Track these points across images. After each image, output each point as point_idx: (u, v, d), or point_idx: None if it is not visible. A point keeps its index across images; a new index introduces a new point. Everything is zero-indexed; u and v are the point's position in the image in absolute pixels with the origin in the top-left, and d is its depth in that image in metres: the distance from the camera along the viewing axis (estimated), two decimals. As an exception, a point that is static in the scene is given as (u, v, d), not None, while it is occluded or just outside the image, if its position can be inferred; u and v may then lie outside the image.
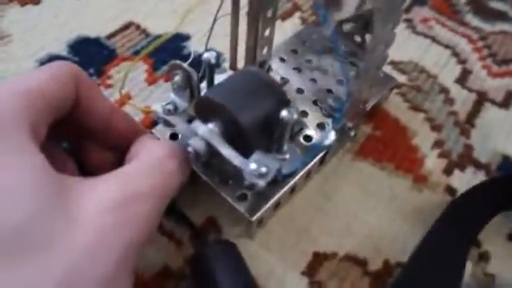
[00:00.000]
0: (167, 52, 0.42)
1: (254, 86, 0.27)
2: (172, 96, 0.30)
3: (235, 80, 0.28)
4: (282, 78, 0.35)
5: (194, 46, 0.43)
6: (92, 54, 0.42)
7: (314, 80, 0.36)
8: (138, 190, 0.23)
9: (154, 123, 0.35)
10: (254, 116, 0.26)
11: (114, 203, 0.21)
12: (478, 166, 0.38)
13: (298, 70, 0.37)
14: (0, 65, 0.41)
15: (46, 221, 0.19)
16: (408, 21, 0.51)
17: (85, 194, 0.21)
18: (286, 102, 0.27)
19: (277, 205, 0.30)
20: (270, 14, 0.31)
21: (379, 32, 0.26)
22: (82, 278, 0.19)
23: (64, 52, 0.42)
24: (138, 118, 0.37)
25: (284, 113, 0.25)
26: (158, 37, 0.44)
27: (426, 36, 0.49)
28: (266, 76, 0.28)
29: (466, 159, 0.38)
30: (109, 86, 0.39)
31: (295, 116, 0.25)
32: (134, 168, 0.24)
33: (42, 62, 0.41)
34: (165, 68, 0.41)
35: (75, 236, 0.19)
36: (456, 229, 0.32)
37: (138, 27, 0.45)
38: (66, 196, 0.20)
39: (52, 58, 0.41)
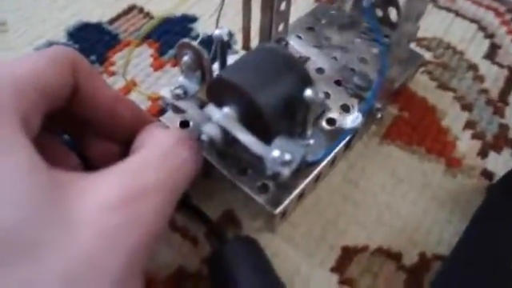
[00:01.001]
0: (174, 35, 0.39)
1: (272, 64, 0.24)
2: (181, 79, 0.27)
3: (251, 58, 0.25)
4: (301, 57, 0.32)
5: (202, 28, 0.40)
6: (93, 40, 0.39)
7: (334, 58, 0.33)
8: (144, 184, 0.20)
9: (163, 111, 0.32)
10: (274, 97, 0.23)
11: (118, 200, 0.19)
12: (515, 147, 0.35)
13: (318, 47, 0.34)
14: (-4, 55, 0.38)
15: (38, 227, 0.16)
16: (430, -6, 0.47)
17: (85, 191, 0.19)
18: (309, 81, 0.24)
19: (301, 195, 0.27)
20: (285, -15, 0.28)
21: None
22: (81, 287, 0.16)
23: (64, 39, 0.40)
24: (145, 106, 0.34)
25: (308, 92, 0.22)
26: (165, 20, 0.41)
27: (449, 10, 0.46)
28: (285, 52, 0.25)
29: (501, 140, 0.35)
30: (112, 74, 0.37)
31: (321, 95, 0.23)
32: (140, 160, 0.22)
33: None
34: (172, 52, 0.38)
35: (72, 240, 0.17)
36: (499, 219, 0.29)
37: (141, 10, 0.42)
38: (61, 195, 0.18)
39: (51, 46, 0.38)
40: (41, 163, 0.18)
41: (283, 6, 0.29)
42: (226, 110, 0.24)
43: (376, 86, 0.26)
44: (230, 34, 0.30)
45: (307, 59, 0.32)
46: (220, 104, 0.24)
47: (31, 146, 0.18)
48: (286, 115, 0.24)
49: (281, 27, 0.30)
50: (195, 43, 0.25)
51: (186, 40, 0.25)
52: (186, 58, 0.26)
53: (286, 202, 0.25)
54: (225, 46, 0.27)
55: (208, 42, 0.27)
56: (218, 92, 0.25)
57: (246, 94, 0.23)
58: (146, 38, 0.39)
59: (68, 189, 0.18)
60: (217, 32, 0.26)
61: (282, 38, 0.31)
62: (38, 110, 0.21)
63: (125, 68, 0.27)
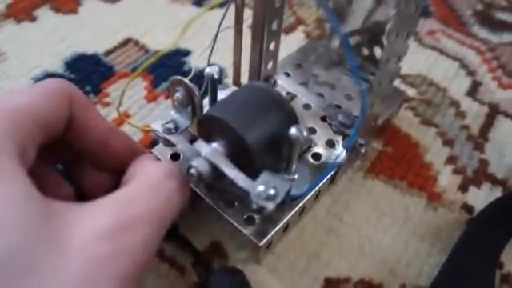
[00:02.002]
0: (167, 68, 0.41)
1: (260, 102, 0.26)
2: (173, 113, 0.28)
3: (240, 96, 0.27)
4: (289, 94, 0.34)
5: (195, 62, 0.42)
6: (89, 71, 0.41)
7: (321, 95, 0.35)
8: (133, 215, 0.21)
9: (154, 143, 0.34)
10: (260, 134, 0.25)
11: (108, 230, 0.20)
12: (495, 181, 0.36)
13: (305, 84, 0.35)
14: (-6, 83, 0.39)
15: (31, 253, 0.17)
16: (415, 34, 0.49)
17: (76, 221, 0.19)
18: (294, 119, 0.26)
19: (285, 228, 0.28)
20: (275, 26, 0.30)
21: (393, 40, 0.24)
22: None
23: (60, 69, 0.41)
24: (137, 137, 0.35)
25: (293, 130, 0.24)
26: (158, 52, 0.42)
27: (433, 48, 0.48)
28: (272, 91, 0.26)
29: (481, 175, 0.36)
30: (107, 105, 0.38)
31: (305, 134, 0.24)
32: (130, 191, 0.23)
33: (38, 80, 0.39)
34: (165, 85, 0.40)
35: (64, 268, 0.17)
36: (478, 252, 0.30)
37: (136, 43, 0.44)
38: (54, 224, 0.19)
39: (48, 76, 0.40)
40: (35, 192, 0.19)
41: (272, 46, 0.30)
42: (215, 145, 0.25)
43: (358, 124, 0.28)
44: (221, 72, 0.31)
45: (294, 96, 0.33)
46: (209, 139, 0.26)
47: (26, 176, 0.19)
48: (272, 151, 0.25)
49: (270, 65, 0.32)
50: (187, 80, 0.26)
51: (178, 77, 0.27)
52: (177, 94, 0.27)
53: (271, 234, 0.26)
54: (215, 83, 0.28)
55: (200, 75, 0.28)
56: (207, 128, 0.26)
57: (234, 131, 0.24)
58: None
59: (61, 218, 0.19)
60: (208, 70, 0.27)
61: (271, 75, 0.32)
62: (34, 141, 0.22)
63: (120, 100, 0.29)
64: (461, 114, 0.41)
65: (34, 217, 0.18)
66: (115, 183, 0.27)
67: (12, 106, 0.21)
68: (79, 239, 0.19)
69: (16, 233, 0.17)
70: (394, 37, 0.24)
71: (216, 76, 0.27)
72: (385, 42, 0.35)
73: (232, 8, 0.28)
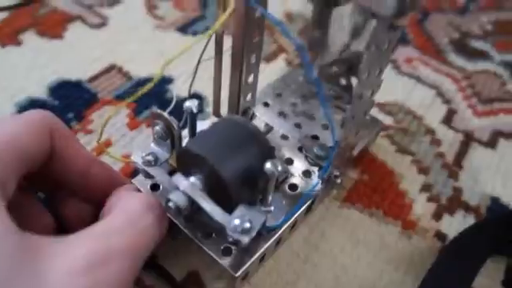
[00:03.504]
0: (150, 95, 0.41)
1: (237, 137, 0.27)
2: (152, 146, 0.29)
3: (218, 130, 0.27)
4: (267, 125, 0.34)
5: (178, 89, 0.43)
6: (73, 98, 0.41)
7: (298, 125, 0.35)
8: (114, 247, 0.21)
9: (135, 172, 0.34)
10: (236, 169, 0.25)
11: (87, 265, 0.20)
12: (468, 209, 0.37)
13: (283, 114, 0.36)
14: (-23, 109, 0.40)
15: (12, 287, 0.18)
16: (393, 61, 0.51)
17: (54, 256, 0.20)
18: (270, 154, 0.27)
19: (262, 258, 0.29)
20: (253, 59, 0.30)
21: (365, 78, 0.26)
22: None
23: (44, 95, 0.41)
24: (118, 166, 0.35)
25: (268, 165, 0.24)
26: (144, 80, 0.43)
27: (410, 76, 0.49)
28: (249, 126, 0.27)
29: (455, 203, 0.37)
30: (89, 132, 0.38)
31: (279, 168, 0.24)
32: (110, 223, 0.23)
33: (21, 106, 0.40)
34: (147, 112, 0.40)
35: None
36: (450, 280, 0.31)
37: (120, 70, 0.45)
38: (34, 258, 0.19)
39: (32, 102, 0.40)
40: (13, 227, 0.20)
41: (251, 79, 0.31)
42: (193, 179, 0.26)
43: (331, 158, 0.29)
44: (201, 103, 0.32)
45: (271, 128, 0.34)
46: (187, 172, 0.26)
47: (4, 210, 0.20)
48: (248, 185, 0.26)
49: (248, 97, 0.33)
50: (166, 114, 0.27)
51: (158, 110, 0.27)
52: (157, 128, 0.28)
53: (247, 265, 0.27)
54: (194, 117, 0.29)
55: (182, 104, 0.29)
56: (186, 161, 0.27)
57: (211, 165, 0.25)
58: (123, 98, 0.41)
59: (38, 253, 0.20)
60: (187, 104, 0.28)
61: (249, 107, 0.33)
62: (14, 174, 0.22)
63: (101, 131, 0.29)
64: (436, 142, 0.42)
65: (11, 253, 0.19)
66: (96, 213, 0.28)
67: None
68: (56, 275, 0.19)
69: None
70: (366, 75, 0.25)
71: (195, 110, 0.28)
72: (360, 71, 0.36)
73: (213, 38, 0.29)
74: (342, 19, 0.32)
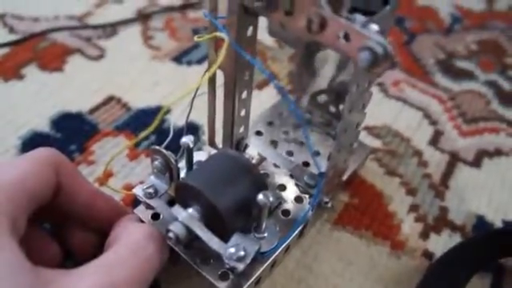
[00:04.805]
0: (148, 126, 0.43)
1: (231, 170, 0.28)
2: (152, 179, 0.31)
3: (213, 164, 0.29)
4: (259, 155, 0.36)
5: (175, 119, 0.44)
6: (74, 130, 0.43)
7: (290, 153, 0.37)
8: (119, 278, 0.23)
9: (137, 201, 0.36)
10: (231, 200, 0.27)
11: None
12: (454, 227, 0.39)
13: (275, 143, 0.38)
14: (-18, 143, 0.41)
15: None
16: (380, 84, 0.53)
17: (66, 287, 0.22)
18: (263, 185, 0.29)
19: (257, 281, 0.31)
20: (244, 95, 0.32)
21: (348, 114, 0.27)
22: None
23: (47, 128, 0.43)
24: (119, 196, 0.37)
25: (260, 196, 0.26)
26: (142, 111, 0.45)
27: (398, 99, 0.51)
28: (242, 159, 0.29)
29: (441, 222, 0.39)
30: (91, 163, 0.40)
31: (271, 199, 0.26)
32: (115, 255, 0.25)
33: (25, 139, 0.41)
34: (146, 143, 0.42)
35: None
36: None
37: (118, 101, 0.47)
38: None
39: (35, 135, 0.42)
40: (26, 263, 0.21)
41: (243, 113, 0.33)
42: (190, 210, 0.28)
43: (319, 187, 0.30)
44: (196, 141, 0.34)
45: (264, 159, 0.36)
46: (186, 203, 0.28)
47: (18, 247, 0.22)
48: (243, 214, 0.28)
49: (241, 129, 0.35)
50: (164, 151, 0.29)
51: (157, 147, 0.29)
52: (156, 163, 0.30)
53: (244, 288, 0.29)
54: (190, 151, 0.31)
55: (179, 133, 0.30)
56: (183, 193, 0.29)
57: (207, 198, 0.27)
58: (123, 129, 0.43)
59: (50, 286, 0.21)
60: (184, 140, 0.30)
61: (242, 138, 0.35)
62: (25, 212, 0.24)
63: (107, 165, 0.31)
64: (423, 164, 0.44)
65: (26, 286, 0.21)
66: (101, 241, 0.30)
67: (3, 181, 0.23)
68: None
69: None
70: (350, 111, 0.27)
71: (191, 145, 0.30)
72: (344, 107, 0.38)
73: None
74: (327, 59, 0.34)
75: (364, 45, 0.21)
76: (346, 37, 0.22)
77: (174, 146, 0.32)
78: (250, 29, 0.28)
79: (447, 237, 0.38)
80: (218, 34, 0.26)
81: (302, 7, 0.23)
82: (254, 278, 0.29)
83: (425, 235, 0.38)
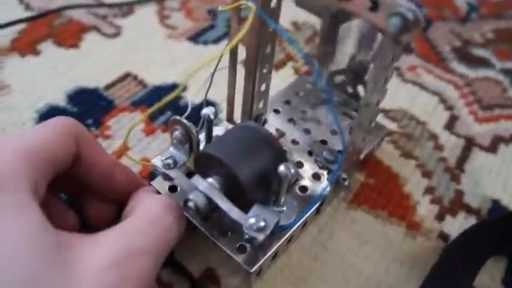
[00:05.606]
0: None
1: (252, 141, 0.28)
2: (171, 150, 0.31)
3: (234, 135, 0.29)
4: (278, 130, 0.36)
5: (191, 97, 0.44)
6: (90, 105, 0.43)
7: (308, 131, 0.37)
8: (137, 246, 0.23)
9: (153, 174, 0.36)
10: (252, 171, 0.27)
11: (116, 259, 0.22)
12: (469, 210, 0.39)
13: (293, 121, 0.38)
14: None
15: (47, 279, 0.20)
16: (396, 69, 0.52)
17: (85, 252, 0.22)
18: (283, 157, 0.28)
19: (274, 255, 0.31)
20: (265, 69, 0.32)
21: (371, 88, 0.27)
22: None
23: (63, 102, 0.43)
24: (136, 169, 0.37)
25: (281, 168, 0.26)
26: (158, 88, 0.45)
27: (414, 83, 0.51)
28: (263, 131, 0.29)
29: (457, 205, 0.39)
30: (107, 137, 0.40)
31: (292, 171, 0.26)
32: (133, 224, 0.25)
33: (42, 113, 0.42)
34: (162, 118, 0.42)
35: None
36: (452, 277, 0.32)
37: (135, 78, 0.47)
38: (66, 254, 0.21)
39: (51, 109, 0.42)
40: (48, 225, 0.22)
41: (263, 87, 0.33)
42: (211, 180, 0.28)
43: (340, 162, 0.30)
44: (216, 113, 0.33)
45: (283, 134, 0.36)
46: (205, 174, 0.28)
47: (40, 210, 0.22)
48: (263, 186, 0.28)
49: (261, 104, 0.34)
50: (185, 121, 0.29)
51: (177, 117, 0.29)
52: (176, 133, 0.30)
53: (261, 261, 0.29)
54: (211, 123, 0.31)
55: (196, 111, 0.30)
56: (203, 164, 0.29)
57: (228, 167, 0.27)
58: (139, 105, 0.43)
59: (71, 249, 0.22)
60: (204, 111, 0.30)
61: (262, 113, 0.35)
62: (45, 178, 0.24)
63: (126, 137, 0.31)
64: (439, 147, 0.44)
65: (49, 246, 0.21)
66: (117, 213, 0.30)
67: (25, 146, 0.23)
68: (88, 268, 0.21)
69: (32, 260, 0.20)
70: (373, 85, 0.27)
71: (212, 117, 0.30)
72: (367, 82, 0.38)
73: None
74: (350, 33, 0.34)
75: (394, 10, 0.21)
76: (376, 4, 0.22)
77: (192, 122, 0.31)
78: (275, 0, 0.28)
79: (463, 219, 0.38)
80: (243, 1, 0.26)
81: (331, -26, 0.23)
82: (271, 251, 0.29)
83: (440, 217, 0.38)
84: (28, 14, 0.53)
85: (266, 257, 0.29)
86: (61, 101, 0.43)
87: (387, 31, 0.21)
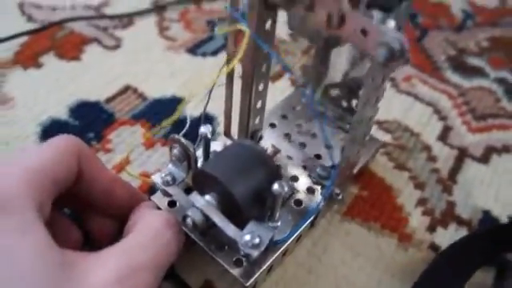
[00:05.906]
0: (164, 116, 0.44)
1: (247, 159, 0.29)
2: (170, 166, 0.32)
3: (230, 153, 0.30)
4: (273, 146, 0.37)
5: (190, 110, 0.45)
6: (92, 118, 0.44)
7: (303, 144, 0.38)
8: (139, 261, 0.25)
9: (153, 189, 0.37)
10: (247, 189, 0.28)
11: (119, 276, 0.23)
12: (461, 222, 0.40)
13: (288, 136, 0.39)
14: (3, 129, 0.42)
15: None
16: (392, 79, 0.53)
17: (90, 268, 0.23)
18: (277, 175, 0.29)
19: (269, 269, 0.32)
20: (261, 87, 0.33)
21: (363, 107, 0.28)
22: None
23: (65, 116, 0.44)
24: (136, 183, 0.38)
25: (275, 186, 0.27)
26: (158, 101, 0.46)
27: (408, 94, 0.52)
28: (258, 149, 0.30)
29: (448, 216, 0.40)
30: (108, 151, 0.41)
31: (286, 189, 0.27)
32: (135, 240, 0.26)
33: (45, 127, 0.43)
34: (162, 132, 0.43)
35: None
36: (440, 285, 0.33)
37: (135, 90, 0.48)
38: (70, 272, 0.22)
39: (54, 123, 0.43)
40: (53, 243, 0.23)
41: (259, 104, 0.34)
42: (208, 197, 0.29)
43: (333, 178, 0.31)
44: (213, 131, 0.35)
45: (278, 151, 0.37)
46: (203, 191, 0.29)
47: (45, 229, 0.23)
48: (258, 203, 0.29)
49: (257, 120, 0.35)
50: (183, 139, 0.30)
51: (176, 136, 0.30)
52: (175, 151, 0.31)
53: (257, 275, 0.30)
54: (208, 140, 0.32)
55: (195, 124, 0.32)
56: (201, 181, 0.30)
57: (224, 185, 0.28)
58: (139, 118, 0.44)
59: (75, 267, 0.23)
60: (202, 129, 0.31)
61: (258, 130, 0.36)
62: (49, 197, 0.25)
63: (128, 154, 0.32)
64: (432, 158, 0.45)
65: (53, 266, 0.22)
66: (119, 227, 0.31)
67: (30, 167, 0.25)
68: (93, 285, 0.22)
69: (37, 281, 0.21)
70: (364, 104, 0.28)
71: (209, 135, 0.31)
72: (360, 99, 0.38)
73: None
74: (342, 54, 0.35)
75: (381, 40, 0.22)
76: (364, 32, 0.23)
77: (190, 136, 0.32)
78: (269, 23, 0.29)
79: (454, 231, 0.39)
80: (239, 26, 0.27)
81: (322, 2, 0.24)
82: (266, 265, 0.30)
83: (432, 228, 0.39)
84: (30, 25, 0.54)
85: (261, 270, 0.30)
86: (63, 114, 0.44)
87: (374, 59, 0.22)
